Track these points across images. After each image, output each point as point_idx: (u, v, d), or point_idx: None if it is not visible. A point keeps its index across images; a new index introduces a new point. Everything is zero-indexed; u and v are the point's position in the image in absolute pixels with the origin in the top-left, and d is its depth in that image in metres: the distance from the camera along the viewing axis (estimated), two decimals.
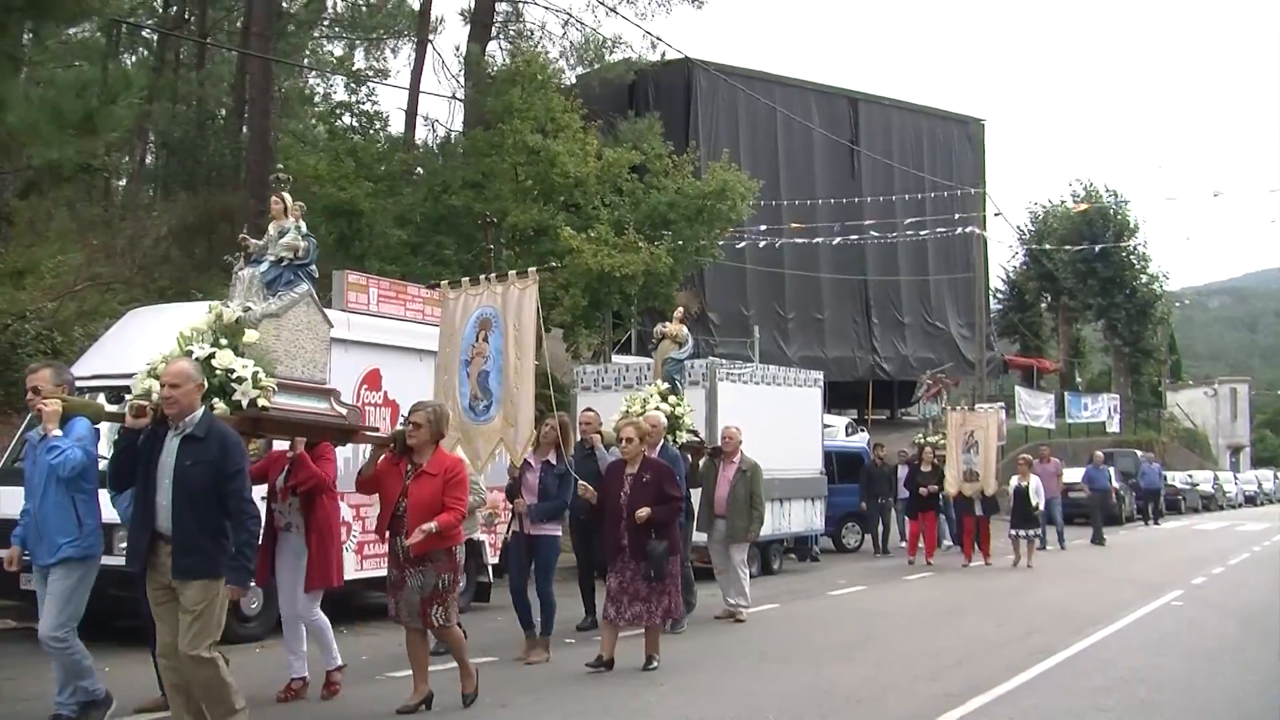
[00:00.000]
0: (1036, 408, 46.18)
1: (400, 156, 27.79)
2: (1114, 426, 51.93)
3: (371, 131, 29.28)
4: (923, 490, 22.04)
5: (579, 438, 13.20)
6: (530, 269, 10.48)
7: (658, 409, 13.58)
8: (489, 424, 10.13)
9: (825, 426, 23.27)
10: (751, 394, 19.04)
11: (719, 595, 14.64)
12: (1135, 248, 57.62)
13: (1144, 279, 59.31)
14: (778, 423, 19.47)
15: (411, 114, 30.45)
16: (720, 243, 28.67)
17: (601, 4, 32.02)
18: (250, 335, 8.26)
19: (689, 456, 14.28)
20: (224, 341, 8.15)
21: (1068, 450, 44.87)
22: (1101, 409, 51.87)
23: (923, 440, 24.53)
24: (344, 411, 8.97)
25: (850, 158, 43.46)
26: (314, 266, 8.99)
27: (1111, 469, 30.56)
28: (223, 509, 7.12)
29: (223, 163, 33.20)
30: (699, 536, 14.95)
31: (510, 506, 11.62)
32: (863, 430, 34.01)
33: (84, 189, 28.73)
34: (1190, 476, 48.93)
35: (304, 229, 9.01)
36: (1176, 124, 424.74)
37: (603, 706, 9.08)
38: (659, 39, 34.37)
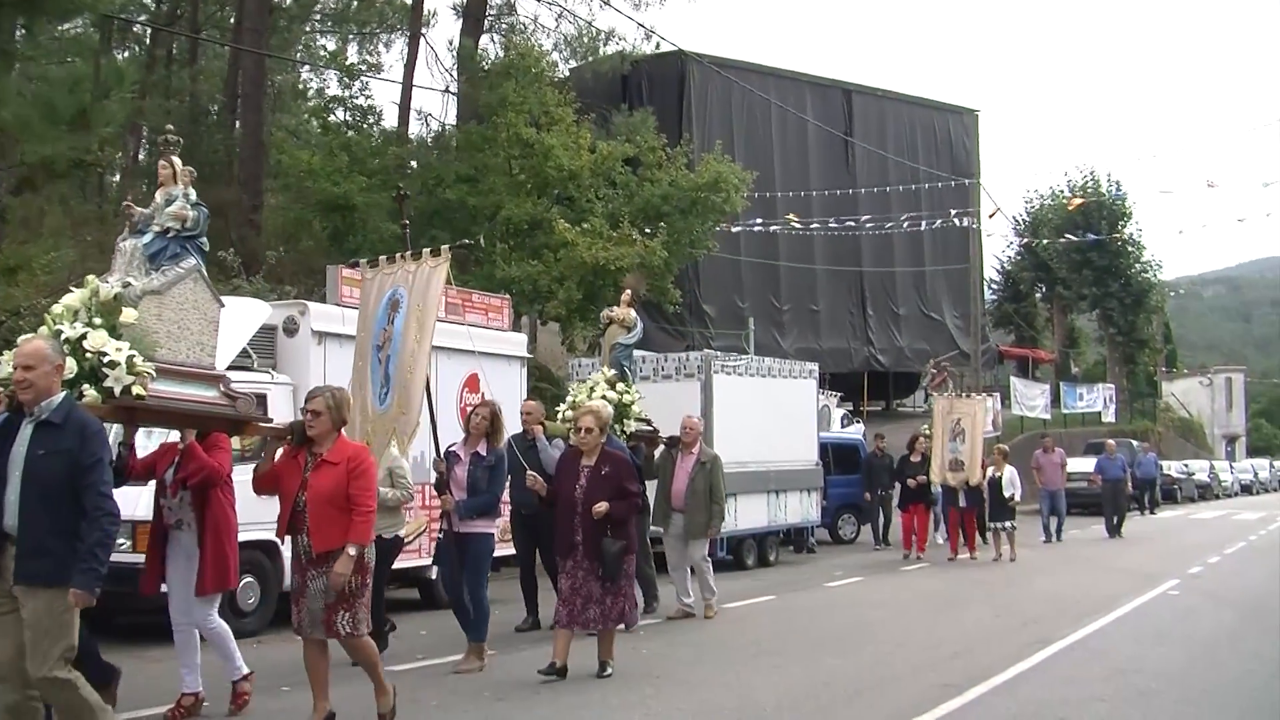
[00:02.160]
0: (1032, 398, 46.19)
1: (394, 151, 27.73)
2: (1109, 416, 51.96)
3: (365, 126, 29.23)
4: (911, 482, 21.62)
5: (520, 429, 12.72)
6: (444, 246, 9.80)
7: (604, 397, 13.06)
8: (386, 413, 9.50)
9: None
10: (747, 386, 19.06)
11: (695, 595, 14.56)
12: (1129, 236, 57.54)
13: (1137, 268, 59.28)
14: (773, 414, 19.51)
15: (405, 108, 30.40)
16: (718, 229, 28.64)
17: None
18: (128, 314, 7.41)
19: (644, 447, 13.78)
20: (98, 321, 7.31)
21: (1063, 440, 44.88)
22: (1097, 399, 51.89)
23: (924, 431, 24.16)
24: (234, 400, 8.08)
25: (845, 149, 43.38)
26: (204, 239, 8.16)
27: (1123, 458, 29.43)
28: (79, 506, 6.31)
29: (216, 159, 33.11)
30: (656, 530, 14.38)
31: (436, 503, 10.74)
32: (859, 421, 34.02)
33: (77, 185, 28.67)
34: (1186, 466, 49.04)
35: (194, 196, 8.12)
36: (1171, 112, 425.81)
37: (600, 699, 9.07)
38: (652, 30, 34.16)
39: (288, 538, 7.97)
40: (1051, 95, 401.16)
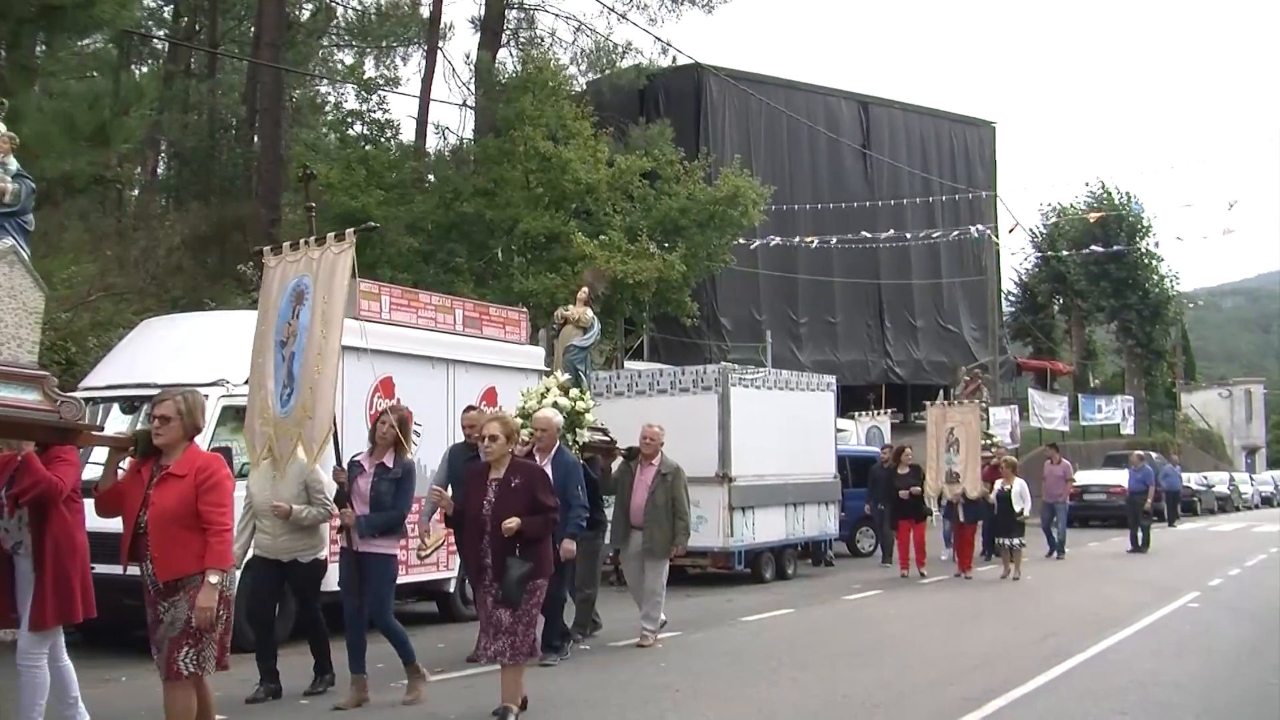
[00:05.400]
0: (1050, 410, 46.09)
1: (411, 164, 27.85)
2: (1128, 428, 51.78)
3: (383, 140, 29.37)
4: (902, 494, 20.22)
5: (462, 438, 11.71)
6: (349, 230, 8.90)
7: (555, 404, 12.38)
8: (290, 416, 8.61)
9: (839, 430, 23.17)
10: (764, 399, 19.04)
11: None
12: (1147, 248, 57.46)
13: (1155, 280, 59.15)
14: (791, 427, 19.50)
15: (422, 122, 30.53)
16: (737, 243, 28.66)
17: (612, 10, 32.07)
18: None
19: (600, 459, 12.92)
20: None
21: (1082, 452, 44.75)
22: (1115, 411, 51.72)
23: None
24: (58, 405, 6.90)
25: (862, 161, 43.45)
26: (29, 216, 7.23)
27: (1149, 469, 28.04)
28: None
29: (235, 172, 33.30)
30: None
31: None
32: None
33: (97, 200, 28.81)
34: (1205, 478, 48.67)
35: (15, 167, 7.10)
36: (1189, 124, 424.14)
37: (618, 712, 9.07)
38: (669, 44, 34.38)
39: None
40: (1069, 107, 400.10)
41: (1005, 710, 9.23)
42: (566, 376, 13.17)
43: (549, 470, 10.35)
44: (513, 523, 8.26)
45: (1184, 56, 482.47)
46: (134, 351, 13.18)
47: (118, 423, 11.97)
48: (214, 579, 6.50)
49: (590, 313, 13.70)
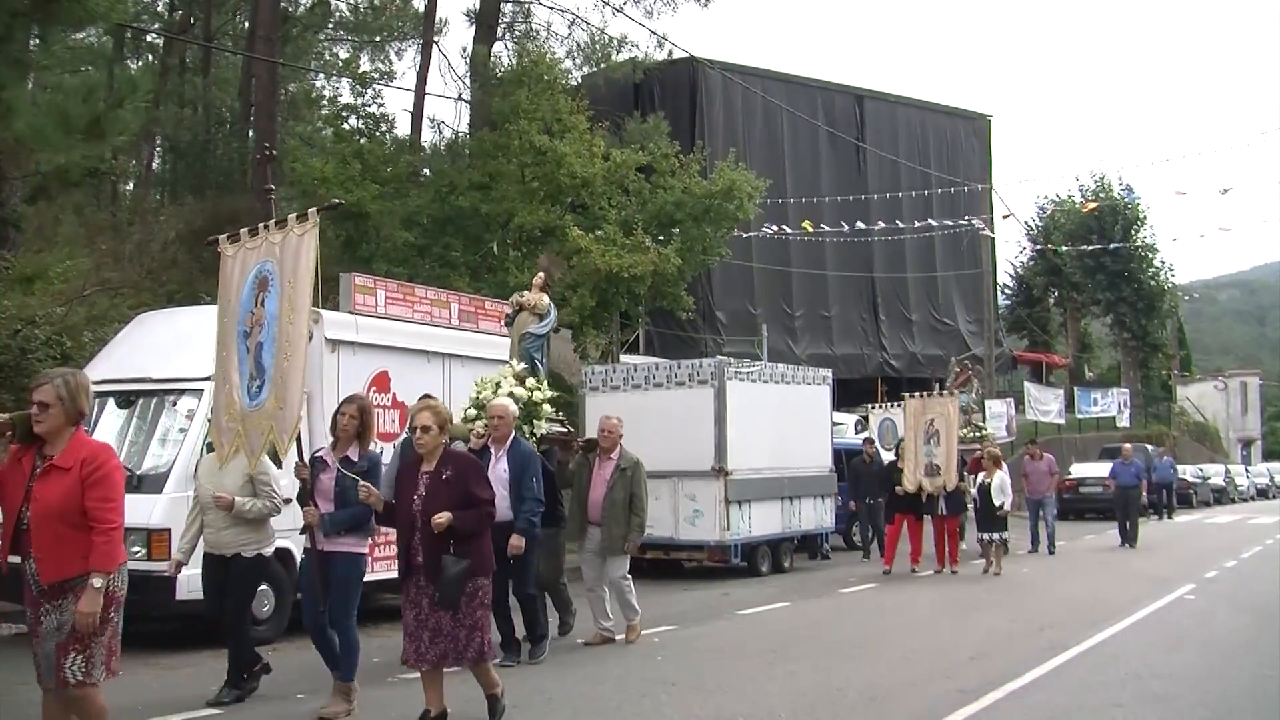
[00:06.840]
0: (1046, 403, 46.10)
1: (407, 159, 27.81)
2: (1124, 421, 51.83)
3: (378, 134, 29.36)
4: (899, 489, 20.08)
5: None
6: (311, 209, 8.33)
7: (511, 394, 12.02)
8: (260, 408, 8.20)
9: (835, 424, 23.10)
10: (760, 392, 19.03)
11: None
12: (1143, 240, 57.53)
13: (1150, 272, 59.22)
14: (787, 421, 19.50)
15: (417, 116, 30.52)
16: (731, 235, 28.63)
17: (607, 4, 32.07)
18: None
19: (557, 451, 12.43)
20: None
21: (1078, 445, 44.80)
22: (1111, 403, 51.77)
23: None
24: None
25: (856, 154, 43.44)
26: None
27: (1139, 463, 28.07)
28: None
29: (230, 166, 33.28)
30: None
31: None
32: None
33: (92, 194, 28.81)
34: (1201, 470, 48.81)
35: None
36: (1184, 116, 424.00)
37: (615, 706, 9.07)
38: (664, 38, 34.33)
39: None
40: (1064, 100, 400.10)
41: (1001, 703, 9.23)
42: (523, 365, 12.81)
43: (505, 462, 10.31)
44: (442, 518, 7.73)
45: (1179, 50, 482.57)
46: (129, 346, 13.17)
47: (113, 417, 12.00)
48: (97, 583, 5.99)
49: (546, 299, 13.34)
